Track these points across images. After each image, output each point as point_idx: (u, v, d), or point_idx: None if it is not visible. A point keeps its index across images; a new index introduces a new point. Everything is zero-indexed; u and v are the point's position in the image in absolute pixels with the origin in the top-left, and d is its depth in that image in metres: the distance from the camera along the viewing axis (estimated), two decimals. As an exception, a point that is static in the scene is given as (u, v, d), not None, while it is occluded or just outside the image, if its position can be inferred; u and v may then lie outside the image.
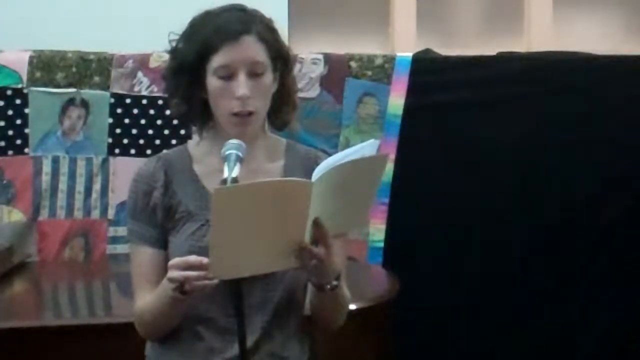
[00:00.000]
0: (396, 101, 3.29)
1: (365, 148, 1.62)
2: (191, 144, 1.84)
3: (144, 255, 1.77)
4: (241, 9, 1.76)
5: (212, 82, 1.71)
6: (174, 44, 1.77)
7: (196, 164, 1.80)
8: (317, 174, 1.57)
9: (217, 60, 1.69)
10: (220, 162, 1.69)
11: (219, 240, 1.53)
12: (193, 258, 1.59)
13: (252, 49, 1.70)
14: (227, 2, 1.79)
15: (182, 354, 1.75)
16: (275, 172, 1.79)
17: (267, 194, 1.53)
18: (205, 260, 1.56)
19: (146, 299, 1.73)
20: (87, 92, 3.19)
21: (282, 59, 1.77)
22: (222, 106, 1.71)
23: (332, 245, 1.60)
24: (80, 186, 3.20)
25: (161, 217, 1.76)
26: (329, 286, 1.67)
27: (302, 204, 1.53)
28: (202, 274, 1.56)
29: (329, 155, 1.69)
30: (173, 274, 1.60)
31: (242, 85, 1.69)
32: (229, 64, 1.69)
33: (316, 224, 1.58)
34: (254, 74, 1.70)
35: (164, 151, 1.89)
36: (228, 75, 1.69)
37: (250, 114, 1.70)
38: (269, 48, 1.73)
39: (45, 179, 3.18)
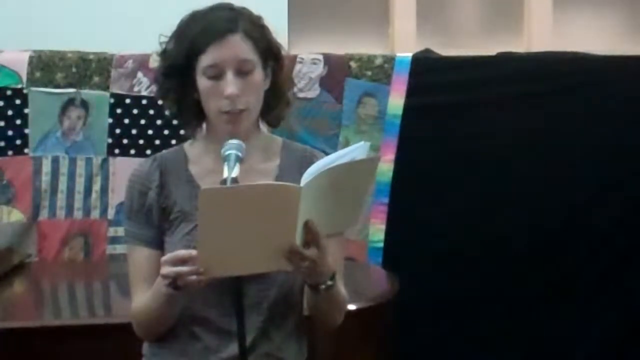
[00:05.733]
0: (396, 101, 3.29)
1: (356, 151, 1.62)
2: (187, 144, 1.85)
3: (141, 256, 1.77)
4: (228, 8, 1.76)
5: (202, 82, 1.71)
6: (164, 45, 1.78)
7: (191, 164, 1.81)
8: (307, 176, 1.57)
9: (205, 61, 1.70)
10: (215, 162, 1.70)
11: (205, 239, 1.54)
12: (183, 252, 1.60)
13: (238, 47, 1.70)
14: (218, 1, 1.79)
15: (178, 354, 1.75)
16: (270, 172, 1.80)
17: (254, 197, 1.54)
18: (194, 252, 1.57)
19: (142, 299, 1.74)
20: (86, 93, 3.19)
21: (272, 56, 1.77)
22: (213, 105, 1.72)
23: (324, 247, 1.60)
24: (80, 186, 3.20)
25: (157, 217, 1.76)
26: (323, 286, 1.67)
27: (291, 207, 1.53)
28: (194, 269, 1.57)
29: (327, 154, 1.69)
30: (165, 270, 1.61)
31: (230, 84, 1.69)
32: (217, 64, 1.69)
33: (307, 226, 1.58)
34: (242, 72, 1.70)
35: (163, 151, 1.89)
36: (216, 74, 1.70)
37: (241, 111, 1.71)
38: (257, 45, 1.72)
39: (45, 179, 3.18)
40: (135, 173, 1.81)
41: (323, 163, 1.60)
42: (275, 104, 1.80)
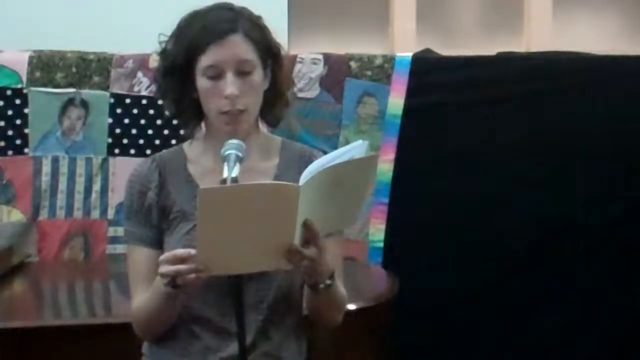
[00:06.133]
0: (396, 101, 3.29)
1: (355, 149, 1.62)
2: (186, 144, 1.85)
3: (140, 256, 1.78)
4: (228, 8, 1.76)
5: (202, 82, 1.71)
6: (163, 45, 1.78)
7: (191, 164, 1.81)
8: (306, 175, 1.57)
9: (205, 61, 1.70)
10: (215, 162, 1.70)
11: (204, 238, 1.55)
12: (181, 251, 1.60)
13: (238, 47, 1.70)
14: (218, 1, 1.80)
15: (178, 353, 1.75)
16: (269, 171, 1.80)
17: (253, 196, 1.54)
18: (193, 251, 1.57)
19: (142, 298, 1.74)
20: (86, 92, 3.19)
21: (272, 56, 1.77)
22: (212, 105, 1.72)
23: (323, 246, 1.61)
24: (79, 186, 3.20)
25: (156, 217, 1.76)
26: (322, 285, 1.68)
27: (290, 206, 1.53)
28: (193, 267, 1.57)
29: (326, 154, 1.69)
30: (164, 268, 1.61)
31: (230, 84, 1.69)
32: (217, 64, 1.69)
33: (306, 225, 1.58)
34: (242, 72, 1.70)
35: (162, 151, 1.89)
36: (216, 74, 1.70)
37: (240, 112, 1.71)
38: (257, 46, 1.73)
39: (45, 179, 3.18)
40: (135, 173, 1.81)
41: (322, 162, 1.60)
42: (274, 104, 1.80)
